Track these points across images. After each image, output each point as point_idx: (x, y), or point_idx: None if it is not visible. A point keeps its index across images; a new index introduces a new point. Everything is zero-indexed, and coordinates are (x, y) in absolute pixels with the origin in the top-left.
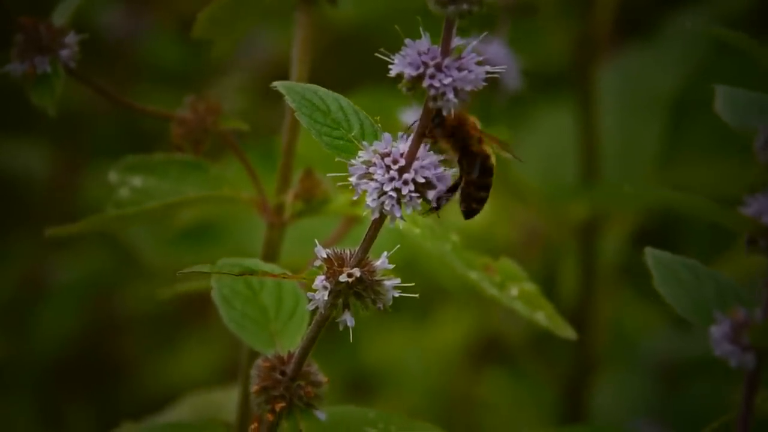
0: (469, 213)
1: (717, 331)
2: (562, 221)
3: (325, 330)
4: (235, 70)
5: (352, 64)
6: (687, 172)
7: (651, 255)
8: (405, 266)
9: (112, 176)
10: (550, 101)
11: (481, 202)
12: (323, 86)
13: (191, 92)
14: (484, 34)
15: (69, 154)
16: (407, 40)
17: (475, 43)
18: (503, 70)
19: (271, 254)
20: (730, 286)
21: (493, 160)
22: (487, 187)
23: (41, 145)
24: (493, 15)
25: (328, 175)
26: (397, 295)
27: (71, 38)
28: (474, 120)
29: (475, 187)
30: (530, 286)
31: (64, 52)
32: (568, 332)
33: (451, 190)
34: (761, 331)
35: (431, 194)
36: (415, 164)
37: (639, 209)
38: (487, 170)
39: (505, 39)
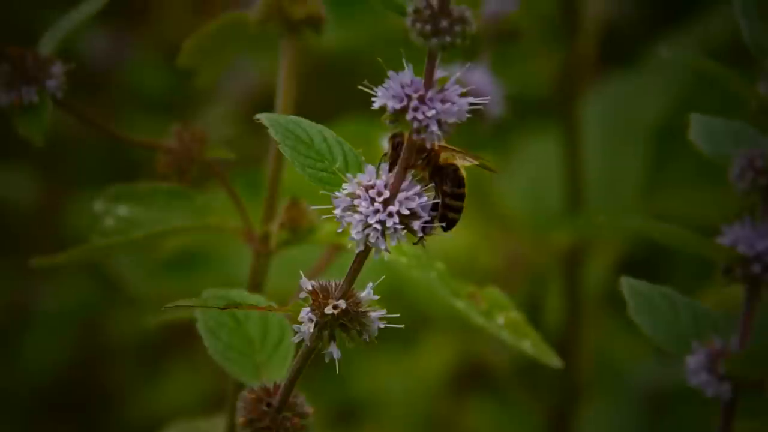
0: (448, 225)
1: (693, 360)
2: (546, 249)
3: (311, 359)
4: (221, 97)
5: (335, 90)
6: (671, 200)
7: (627, 284)
8: (390, 295)
9: (98, 205)
10: (535, 128)
11: (458, 211)
12: (306, 113)
13: (177, 120)
14: (468, 62)
15: (55, 181)
16: (390, 73)
17: (458, 74)
18: (487, 101)
19: (257, 283)
20: (707, 315)
21: (463, 171)
22: (461, 197)
23: (27, 172)
24: (476, 42)
25: (312, 208)
26: (382, 326)
27: (58, 68)
28: None
29: (450, 197)
30: (516, 315)
31: (51, 83)
32: (554, 361)
33: (432, 209)
34: (737, 361)
35: (416, 225)
36: (400, 196)
37: (622, 238)
38: (458, 180)
39: (488, 66)
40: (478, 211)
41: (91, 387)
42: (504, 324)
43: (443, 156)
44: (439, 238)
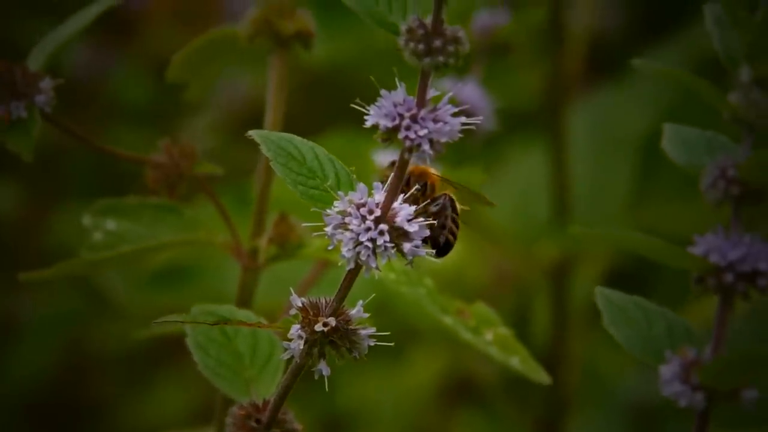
0: (443, 248)
1: (667, 370)
2: (534, 262)
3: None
4: (209, 109)
5: (325, 103)
6: (659, 211)
7: (601, 295)
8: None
9: (86, 219)
10: (523, 141)
11: (455, 235)
12: (295, 126)
13: (164, 132)
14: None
15: (43, 193)
16: (383, 91)
17: (451, 93)
18: (479, 121)
19: (246, 298)
20: (682, 325)
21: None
22: (456, 223)
23: (14, 184)
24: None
25: (303, 224)
26: (372, 344)
27: (47, 83)
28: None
29: (451, 220)
30: (504, 331)
31: (40, 98)
32: (542, 377)
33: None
34: (711, 371)
35: (407, 246)
36: (391, 214)
37: (609, 250)
38: (454, 207)
39: (479, 80)
40: (465, 224)
41: (80, 399)
42: (492, 340)
43: (440, 187)
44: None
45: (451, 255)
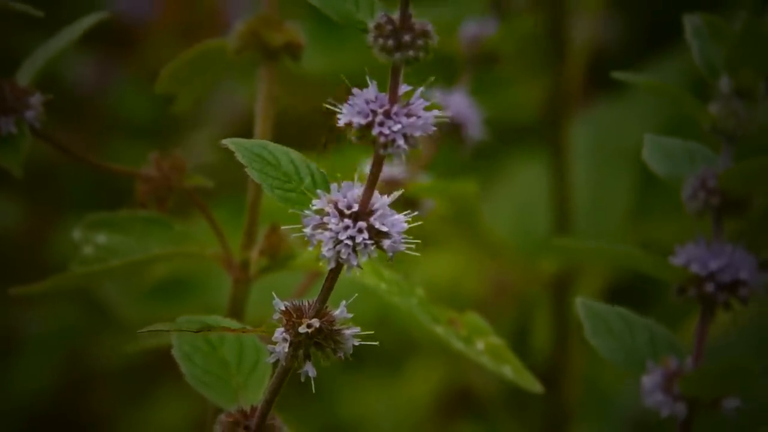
0: None
1: (648, 380)
2: (534, 275)
3: (298, 387)
4: (207, 122)
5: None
6: (660, 225)
7: (582, 306)
8: (378, 320)
9: (77, 233)
10: (523, 154)
11: None
12: (290, 141)
13: (164, 146)
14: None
15: (42, 208)
16: (354, 90)
17: (420, 89)
18: (456, 121)
19: (237, 310)
20: (664, 336)
21: None
22: None
23: (13, 199)
24: (455, 65)
25: (283, 227)
26: (357, 343)
27: (36, 98)
28: None
29: None
30: (496, 340)
31: (30, 113)
32: (535, 386)
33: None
34: (692, 380)
35: (386, 243)
36: (369, 210)
37: (607, 264)
38: None
39: (467, 88)
40: (464, 237)
41: (81, 413)
42: (484, 349)
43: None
44: (424, 266)
45: (449, 267)
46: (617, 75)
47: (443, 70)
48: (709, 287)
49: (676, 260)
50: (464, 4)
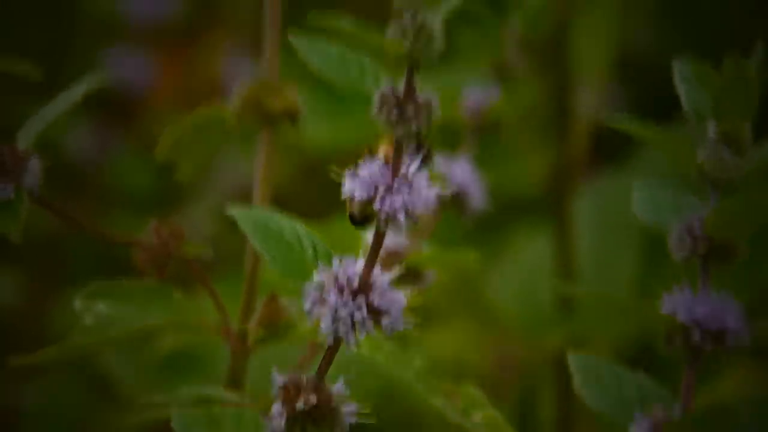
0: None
1: (636, 430)
2: (539, 350)
3: None
4: (210, 192)
5: (326, 189)
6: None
7: (573, 360)
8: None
9: (77, 303)
10: (529, 227)
11: None
12: (296, 212)
13: (163, 216)
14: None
15: (44, 279)
16: (359, 162)
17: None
18: (459, 190)
19: (236, 381)
20: (652, 387)
21: None
22: None
23: (14, 270)
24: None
25: (284, 300)
26: (353, 421)
27: (35, 163)
28: None
29: None
30: (494, 413)
31: (28, 179)
32: None
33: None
34: (677, 427)
35: (385, 322)
36: (369, 287)
37: (614, 334)
38: None
39: (470, 157)
40: (468, 311)
41: None
42: (482, 422)
43: None
44: (427, 339)
45: (452, 342)
46: (623, 126)
47: (446, 135)
48: (695, 335)
49: (663, 308)
50: (466, 69)
